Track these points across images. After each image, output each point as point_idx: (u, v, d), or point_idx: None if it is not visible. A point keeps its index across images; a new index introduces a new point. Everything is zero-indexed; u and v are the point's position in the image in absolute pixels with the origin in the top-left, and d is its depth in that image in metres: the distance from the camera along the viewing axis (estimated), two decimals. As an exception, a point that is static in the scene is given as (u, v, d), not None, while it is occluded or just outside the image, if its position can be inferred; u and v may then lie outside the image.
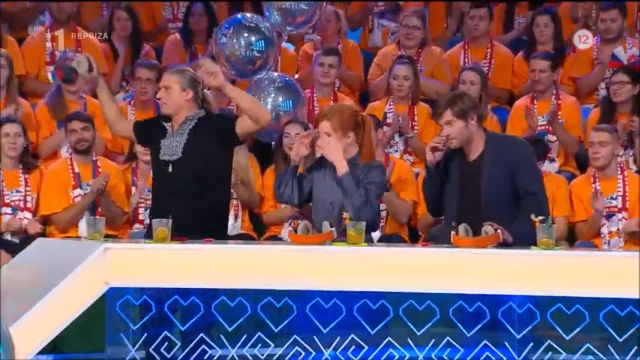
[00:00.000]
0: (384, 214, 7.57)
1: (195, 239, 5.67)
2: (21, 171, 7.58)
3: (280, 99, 8.05)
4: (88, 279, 5.36)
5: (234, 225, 7.44)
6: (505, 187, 5.91)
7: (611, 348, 5.36)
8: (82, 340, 5.90)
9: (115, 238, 6.90)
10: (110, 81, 8.88)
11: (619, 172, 7.56)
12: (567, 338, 5.39)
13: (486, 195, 5.93)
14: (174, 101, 6.20)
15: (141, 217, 7.59)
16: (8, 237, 7.39)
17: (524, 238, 5.61)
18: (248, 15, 8.20)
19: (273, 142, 7.99)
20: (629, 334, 5.33)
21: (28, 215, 7.50)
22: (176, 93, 6.19)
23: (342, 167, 5.91)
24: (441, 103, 6.09)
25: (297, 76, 9.02)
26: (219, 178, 6.24)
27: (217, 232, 6.04)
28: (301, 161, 6.08)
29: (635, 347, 5.34)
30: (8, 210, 7.49)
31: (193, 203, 6.07)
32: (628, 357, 5.34)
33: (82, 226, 7.29)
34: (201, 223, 6.01)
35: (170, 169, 6.15)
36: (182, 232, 5.68)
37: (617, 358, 5.35)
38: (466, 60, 9.06)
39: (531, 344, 5.43)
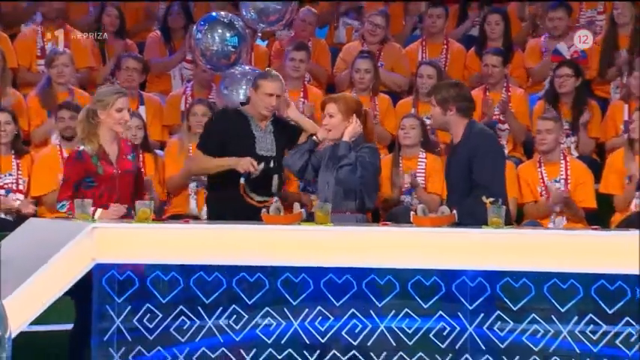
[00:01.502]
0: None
1: None
2: (13, 156, 7.52)
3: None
4: (76, 256, 5.34)
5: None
6: (461, 175, 5.94)
7: (554, 318, 5.39)
8: (71, 312, 5.88)
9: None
10: (99, 74, 8.84)
11: (562, 158, 7.60)
12: (515, 309, 5.41)
13: (447, 180, 6.07)
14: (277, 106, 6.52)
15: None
16: (2, 215, 7.34)
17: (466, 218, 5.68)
18: (222, 13, 8.17)
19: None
20: (570, 304, 5.36)
21: (20, 197, 7.45)
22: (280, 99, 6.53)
23: (345, 137, 6.08)
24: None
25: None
26: None
27: None
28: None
29: (576, 317, 5.37)
30: (1, 192, 7.45)
31: (275, 191, 6.49)
32: (569, 326, 5.37)
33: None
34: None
35: (270, 163, 6.44)
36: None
37: (560, 326, 5.38)
38: (424, 55, 9.08)
39: (482, 314, 5.44)
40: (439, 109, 6.03)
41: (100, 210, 5.82)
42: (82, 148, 5.93)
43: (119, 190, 5.96)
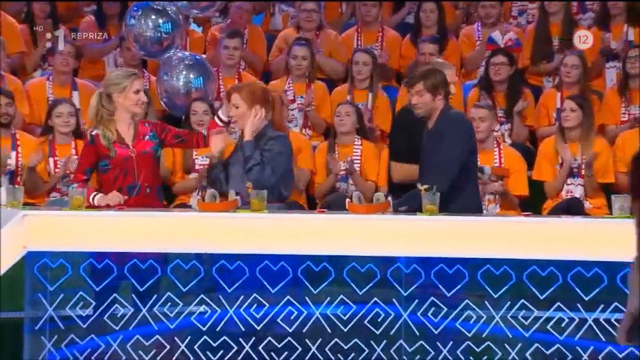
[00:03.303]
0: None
1: None
2: (-55, 144, 7.39)
3: (191, 76, 7.98)
4: (8, 243, 5.27)
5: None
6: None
7: (487, 303, 5.43)
8: (3, 300, 5.80)
9: (33, 205, 6.77)
10: (29, 60, 8.69)
11: (495, 146, 7.65)
12: (449, 295, 5.45)
13: (420, 164, 6.04)
14: None
15: (58, 185, 7.46)
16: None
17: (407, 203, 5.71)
18: (156, -1, 8.12)
19: (183, 117, 7.92)
20: (503, 290, 5.41)
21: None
22: None
23: (247, 135, 5.92)
24: (416, 74, 6.15)
25: (204, 56, 8.95)
26: None
27: None
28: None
29: (508, 303, 5.42)
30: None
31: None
32: (501, 312, 5.42)
33: (2, 194, 7.13)
34: None
35: None
36: None
37: (493, 312, 5.43)
38: (359, 42, 9.09)
39: (417, 301, 5.47)
40: (429, 96, 5.96)
41: (99, 195, 5.77)
42: (94, 132, 5.88)
43: (138, 171, 5.87)
